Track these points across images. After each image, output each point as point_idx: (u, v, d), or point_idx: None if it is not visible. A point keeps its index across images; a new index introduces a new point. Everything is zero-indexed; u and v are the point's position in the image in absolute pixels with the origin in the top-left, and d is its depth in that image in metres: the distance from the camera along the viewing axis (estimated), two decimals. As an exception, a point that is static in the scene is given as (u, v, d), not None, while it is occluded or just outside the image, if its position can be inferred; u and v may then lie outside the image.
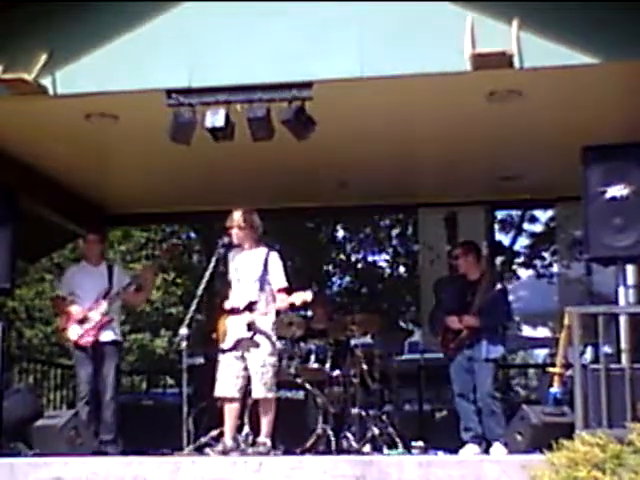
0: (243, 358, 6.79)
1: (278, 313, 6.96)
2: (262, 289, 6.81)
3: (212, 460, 6.35)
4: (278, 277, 6.87)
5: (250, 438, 6.86)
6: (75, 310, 7.64)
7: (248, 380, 6.81)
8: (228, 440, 6.80)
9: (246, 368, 6.78)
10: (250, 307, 6.80)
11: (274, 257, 6.94)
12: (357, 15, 6.26)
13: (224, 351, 6.83)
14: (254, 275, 6.85)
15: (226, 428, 6.85)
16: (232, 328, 6.84)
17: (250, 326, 6.74)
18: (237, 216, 6.98)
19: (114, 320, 7.77)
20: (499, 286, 7.48)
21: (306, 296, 6.69)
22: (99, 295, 7.71)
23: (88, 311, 7.62)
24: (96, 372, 7.55)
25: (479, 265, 7.63)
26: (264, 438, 6.71)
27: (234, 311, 6.87)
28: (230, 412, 6.85)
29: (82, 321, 7.60)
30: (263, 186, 8.80)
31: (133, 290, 7.87)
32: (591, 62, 5.99)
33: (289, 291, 6.84)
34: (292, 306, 6.79)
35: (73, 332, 7.60)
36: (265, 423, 6.74)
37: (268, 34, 6.38)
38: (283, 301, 6.74)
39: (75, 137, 7.49)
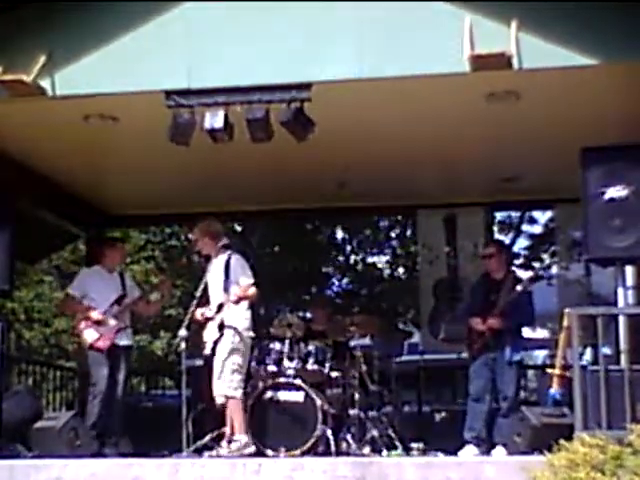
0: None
1: (251, 307, 7.17)
2: (226, 291, 7.04)
3: (211, 462, 6.36)
4: (239, 276, 7.10)
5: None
6: (93, 314, 7.69)
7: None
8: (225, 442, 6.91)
9: None
10: (220, 310, 7.02)
11: (235, 259, 7.18)
12: (356, 16, 6.25)
13: (210, 357, 6.99)
14: (219, 280, 7.09)
15: (227, 430, 6.96)
16: (209, 334, 7.03)
17: (220, 327, 6.95)
18: (195, 230, 7.42)
19: (129, 326, 7.96)
20: (523, 286, 7.49)
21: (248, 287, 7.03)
22: (114, 300, 7.82)
23: (104, 315, 7.71)
24: (110, 375, 7.61)
25: (506, 265, 7.68)
26: (239, 435, 6.83)
27: (209, 319, 7.08)
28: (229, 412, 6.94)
29: (99, 325, 7.68)
30: (262, 187, 8.80)
31: (145, 302, 8.11)
32: (590, 63, 5.99)
33: (257, 286, 7.15)
34: (241, 299, 7.03)
35: (90, 335, 7.66)
36: (235, 423, 6.87)
37: (267, 35, 6.38)
38: (234, 295, 6.99)
39: (74, 138, 7.49)
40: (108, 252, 8.08)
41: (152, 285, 8.50)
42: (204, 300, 7.25)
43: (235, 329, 6.98)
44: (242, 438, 6.84)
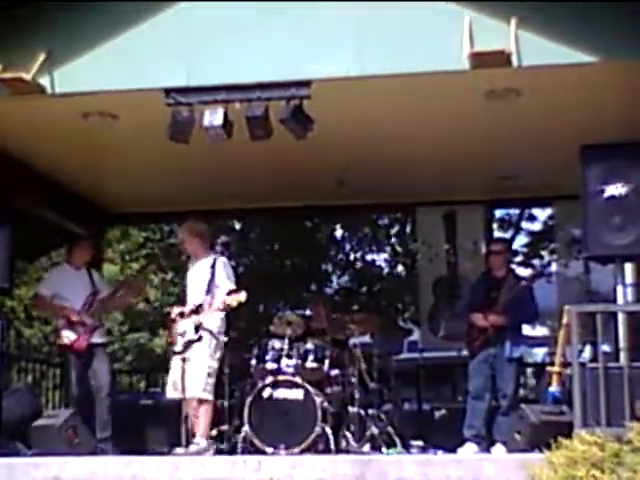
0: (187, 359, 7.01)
1: (227, 314, 7.17)
2: (208, 292, 7.08)
3: (211, 460, 6.36)
4: (225, 281, 7.12)
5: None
6: (72, 315, 7.69)
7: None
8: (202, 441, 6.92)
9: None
10: (197, 310, 7.06)
11: (221, 262, 7.18)
12: (355, 14, 6.25)
13: (175, 353, 7.05)
14: (203, 280, 7.11)
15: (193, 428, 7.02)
16: (181, 331, 7.03)
17: (197, 328, 6.97)
18: (182, 231, 7.47)
19: (104, 324, 8.05)
20: (524, 283, 7.52)
21: (240, 297, 6.92)
22: (87, 299, 7.82)
23: (80, 315, 7.71)
24: (89, 372, 7.65)
25: (507, 263, 7.72)
26: (199, 439, 6.85)
27: (182, 315, 7.12)
28: (192, 412, 6.99)
29: (76, 325, 7.68)
30: (261, 185, 8.80)
31: (114, 298, 8.12)
32: (589, 61, 5.99)
33: (236, 293, 7.08)
34: (229, 307, 7.00)
35: (66, 336, 7.67)
36: (200, 424, 6.91)
37: (266, 33, 6.37)
38: (222, 303, 6.97)
39: (73, 136, 7.48)
40: (73, 250, 8.09)
41: (124, 284, 8.53)
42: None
43: (211, 332, 7.01)
44: (202, 442, 6.85)
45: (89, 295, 7.86)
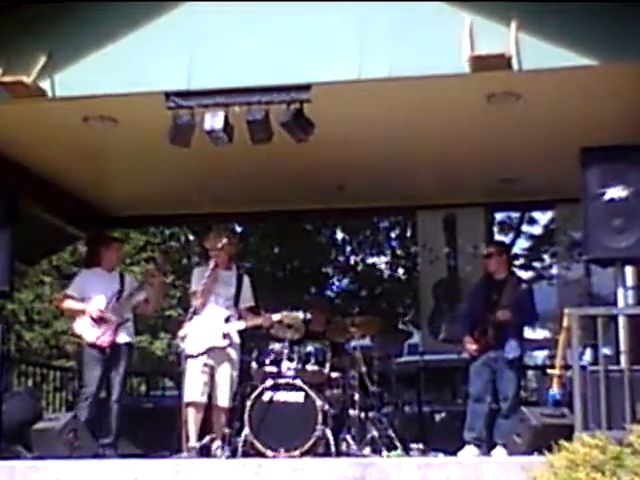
0: (211, 366, 7.26)
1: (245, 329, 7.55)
2: (236, 305, 7.45)
3: (211, 462, 6.37)
4: (251, 299, 7.60)
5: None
6: (92, 310, 7.58)
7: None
8: (194, 443, 7.05)
9: (212, 376, 7.26)
10: (227, 320, 7.36)
11: (246, 279, 7.59)
12: (355, 17, 6.26)
13: (193, 356, 7.19)
14: (230, 291, 7.44)
15: (191, 433, 7.14)
16: (203, 335, 7.23)
17: (226, 336, 7.30)
18: (224, 241, 7.48)
19: (130, 320, 7.81)
20: (525, 285, 7.52)
21: (298, 315, 7.73)
22: (113, 296, 7.70)
23: (104, 312, 7.60)
24: (105, 373, 7.54)
25: (507, 265, 7.70)
26: (220, 442, 7.10)
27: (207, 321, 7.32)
28: (197, 417, 7.17)
29: (99, 322, 7.57)
30: (262, 188, 8.80)
31: (143, 300, 7.92)
32: (590, 64, 6.00)
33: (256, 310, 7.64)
34: (276, 322, 7.50)
35: (90, 333, 7.55)
36: (217, 428, 7.18)
37: (267, 36, 6.38)
38: (271, 318, 7.44)
39: (74, 140, 7.49)
40: (104, 252, 7.98)
41: (142, 282, 8.35)
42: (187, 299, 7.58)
43: (236, 344, 7.39)
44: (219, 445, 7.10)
45: (115, 293, 7.72)
